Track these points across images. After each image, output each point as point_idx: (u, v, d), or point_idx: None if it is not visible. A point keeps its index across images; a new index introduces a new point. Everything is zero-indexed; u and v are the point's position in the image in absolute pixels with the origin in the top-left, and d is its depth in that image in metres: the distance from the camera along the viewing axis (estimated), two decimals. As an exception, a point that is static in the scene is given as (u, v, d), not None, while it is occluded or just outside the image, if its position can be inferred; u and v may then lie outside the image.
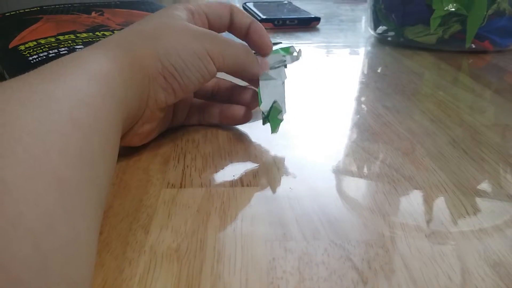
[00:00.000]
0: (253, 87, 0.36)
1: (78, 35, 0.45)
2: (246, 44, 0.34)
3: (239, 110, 0.35)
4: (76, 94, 0.20)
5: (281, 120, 0.33)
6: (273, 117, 0.32)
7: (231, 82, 0.37)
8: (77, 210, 0.16)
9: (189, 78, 0.29)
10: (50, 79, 0.20)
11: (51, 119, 0.17)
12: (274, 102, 0.32)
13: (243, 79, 0.35)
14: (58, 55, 0.40)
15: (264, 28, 0.34)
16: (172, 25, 0.30)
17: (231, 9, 0.34)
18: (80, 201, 0.16)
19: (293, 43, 0.64)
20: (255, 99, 0.35)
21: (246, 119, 0.35)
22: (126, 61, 0.26)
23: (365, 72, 0.52)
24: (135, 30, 0.29)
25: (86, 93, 0.20)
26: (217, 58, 0.30)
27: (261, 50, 0.34)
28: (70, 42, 0.43)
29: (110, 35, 0.36)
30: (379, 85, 0.47)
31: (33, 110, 0.17)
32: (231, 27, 0.34)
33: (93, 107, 0.20)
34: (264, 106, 0.32)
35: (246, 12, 0.35)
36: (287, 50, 0.36)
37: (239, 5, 0.94)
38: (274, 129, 0.32)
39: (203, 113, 0.36)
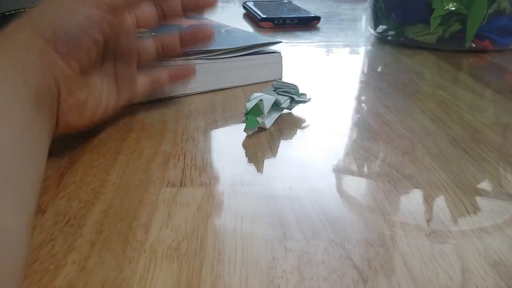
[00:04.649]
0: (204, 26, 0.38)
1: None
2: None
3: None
4: None
5: (257, 124, 0.34)
6: (252, 115, 0.33)
7: (172, 33, 0.37)
8: None
9: (72, 31, 0.28)
10: None
11: None
12: (260, 101, 0.33)
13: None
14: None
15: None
16: None
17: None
18: None
19: (293, 42, 0.64)
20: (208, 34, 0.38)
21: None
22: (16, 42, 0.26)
23: (365, 71, 0.52)
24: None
25: None
26: None
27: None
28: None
29: None
30: (379, 84, 0.47)
31: None
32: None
33: None
34: (249, 104, 0.33)
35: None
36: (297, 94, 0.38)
37: (239, 4, 0.94)
38: (247, 127, 0.34)
39: (155, 83, 0.38)
